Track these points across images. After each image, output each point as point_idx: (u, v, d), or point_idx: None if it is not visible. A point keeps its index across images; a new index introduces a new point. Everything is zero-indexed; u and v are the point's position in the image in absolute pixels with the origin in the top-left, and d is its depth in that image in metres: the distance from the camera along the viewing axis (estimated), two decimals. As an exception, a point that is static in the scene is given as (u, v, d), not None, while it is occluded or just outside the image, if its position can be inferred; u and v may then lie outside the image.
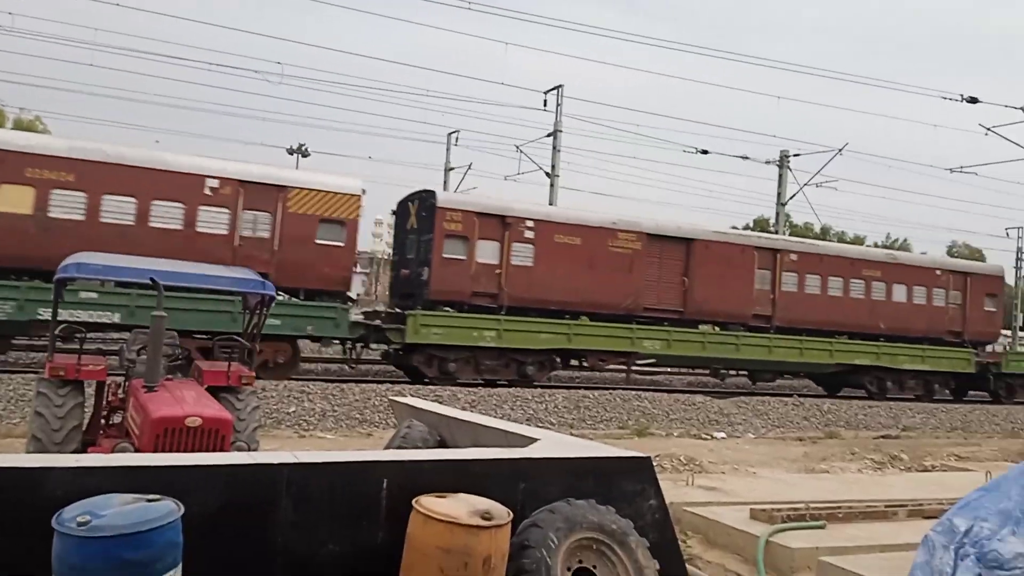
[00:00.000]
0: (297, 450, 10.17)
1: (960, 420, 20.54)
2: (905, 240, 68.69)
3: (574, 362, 20.60)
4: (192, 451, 5.51)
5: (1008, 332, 49.95)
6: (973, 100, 25.37)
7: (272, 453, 5.23)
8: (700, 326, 21.54)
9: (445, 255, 18.27)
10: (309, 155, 48.92)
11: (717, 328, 21.80)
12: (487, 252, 18.72)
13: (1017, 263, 47.09)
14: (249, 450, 6.26)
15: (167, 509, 3.37)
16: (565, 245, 19.42)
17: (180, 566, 3.37)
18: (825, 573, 5.84)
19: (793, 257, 22.67)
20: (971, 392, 25.68)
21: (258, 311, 7.77)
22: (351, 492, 4.20)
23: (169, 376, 7.06)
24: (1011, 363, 25.82)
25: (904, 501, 7.89)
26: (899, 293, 24.16)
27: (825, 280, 23.01)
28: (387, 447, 6.61)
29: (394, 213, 21.03)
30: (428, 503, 4.02)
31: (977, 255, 50.14)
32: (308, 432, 13.06)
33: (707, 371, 25.17)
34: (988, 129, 25.68)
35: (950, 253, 58.41)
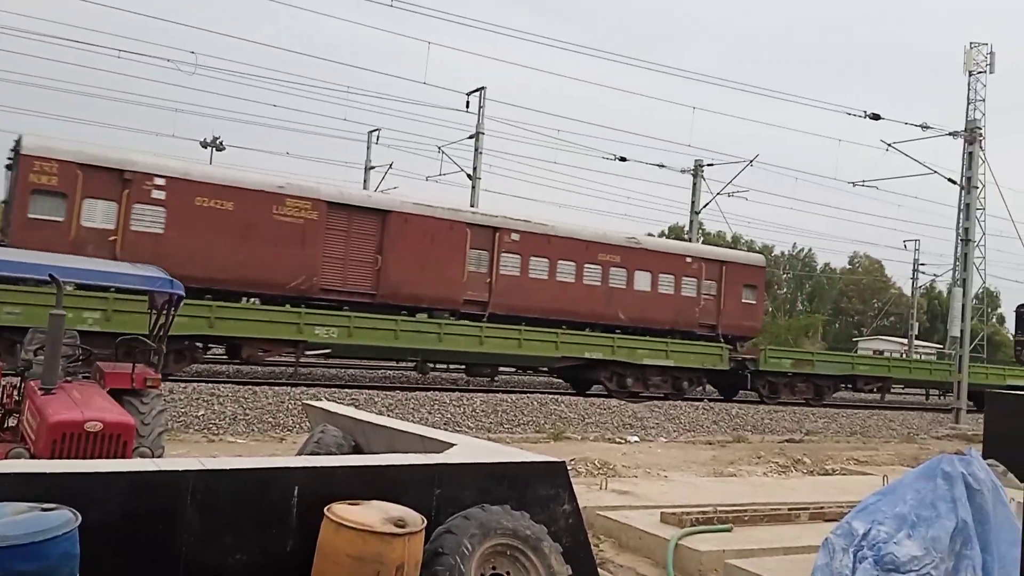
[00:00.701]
0: (206, 456, 9.90)
1: (859, 425, 21.46)
2: (810, 250, 71.50)
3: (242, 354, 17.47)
4: (92, 457, 5.30)
5: (905, 340, 52.52)
6: (875, 116, 26.55)
7: (177, 460, 5.06)
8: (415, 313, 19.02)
9: (31, 215, 15.10)
10: (224, 149, 47.64)
11: (426, 316, 19.34)
12: (97, 214, 15.57)
13: (913, 274, 49.61)
14: (153, 456, 6.03)
15: (63, 519, 3.23)
16: (211, 210, 16.43)
17: (77, 579, 3.23)
18: (731, 575, 6.01)
19: (515, 237, 20.20)
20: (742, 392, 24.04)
21: (165, 311, 7.50)
22: (260, 500, 4.10)
23: (68, 378, 6.75)
24: (770, 360, 23.63)
25: (806, 504, 8.18)
26: (642, 281, 22.12)
27: (554, 264, 20.71)
28: (300, 452, 6.48)
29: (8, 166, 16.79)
30: (340, 510, 3.96)
31: (877, 266, 52.58)
32: (218, 436, 12.69)
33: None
34: (889, 145, 26.91)
35: (851, 263, 61.00)
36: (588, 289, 21.30)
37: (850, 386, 26.57)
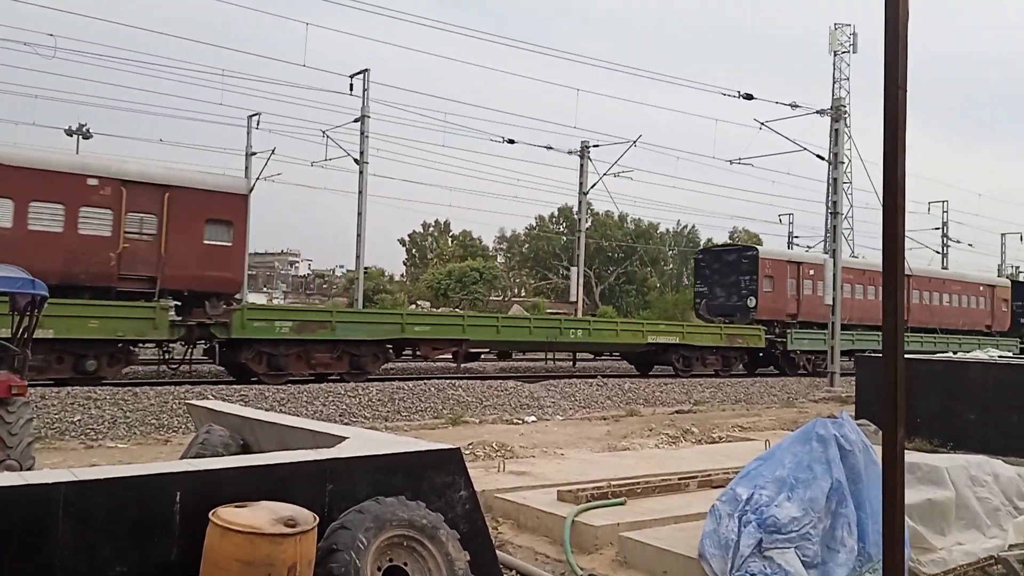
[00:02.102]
0: (83, 463, 9.39)
1: (743, 393, 22.42)
2: (693, 226, 73.86)
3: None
4: (-50, 475, 4.91)
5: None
6: (749, 97, 27.58)
7: (48, 472, 4.76)
8: None
9: None
10: (91, 137, 45.04)
11: None
12: None
13: (789, 246, 51.99)
14: (21, 469, 5.66)
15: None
16: None
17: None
18: (625, 547, 6.17)
19: None
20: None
21: (28, 312, 7.03)
22: (139, 508, 3.91)
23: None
24: (255, 326, 17.54)
25: (695, 473, 8.49)
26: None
27: None
28: (184, 455, 6.22)
29: None
30: (226, 514, 3.82)
31: (755, 240, 54.92)
32: (97, 442, 12.05)
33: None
34: (762, 124, 28.07)
35: (731, 238, 63.43)
36: None
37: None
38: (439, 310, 41.20)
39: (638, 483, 7.90)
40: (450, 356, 21.47)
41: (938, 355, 17.61)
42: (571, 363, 26.62)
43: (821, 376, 27.02)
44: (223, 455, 5.84)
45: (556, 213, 66.91)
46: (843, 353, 27.83)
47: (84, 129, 44.65)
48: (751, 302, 27.87)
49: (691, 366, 25.33)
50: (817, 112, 27.65)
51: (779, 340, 28.03)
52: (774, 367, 28.62)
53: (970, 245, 52.20)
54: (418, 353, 20.83)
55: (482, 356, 24.84)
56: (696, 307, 31.00)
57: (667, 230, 72.01)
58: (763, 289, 27.98)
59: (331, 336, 18.55)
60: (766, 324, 27.67)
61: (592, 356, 28.66)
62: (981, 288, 38.05)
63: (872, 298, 31.00)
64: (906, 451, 9.65)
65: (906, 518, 5.72)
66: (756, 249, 30.24)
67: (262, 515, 3.86)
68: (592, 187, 34.53)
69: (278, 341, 17.81)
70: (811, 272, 29.24)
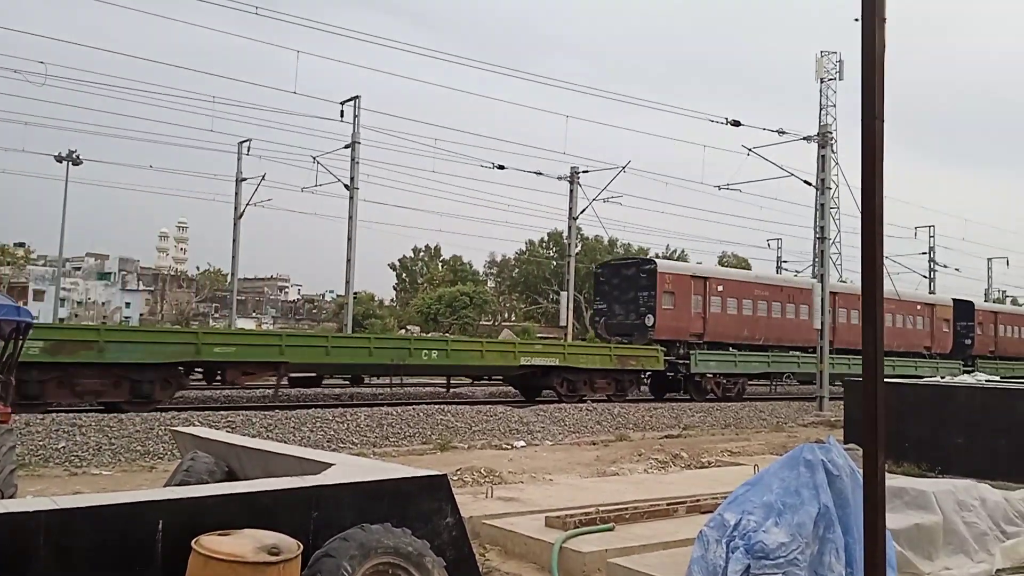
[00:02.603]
0: (67, 490, 9.29)
1: (732, 417, 22.40)
2: (683, 251, 74.07)
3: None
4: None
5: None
6: (736, 123, 27.85)
7: (28, 500, 4.72)
8: None
9: None
10: (81, 163, 45.07)
11: None
12: None
13: (777, 271, 52.21)
14: (3, 497, 5.60)
15: None
16: None
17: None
18: (613, 574, 6.13)
19: None
20: None
21: (13, 339, 6.99)
22: (121, 537, 3.87)
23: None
24: None
25: (684, 498, 8.47)
26: None
27: None
28: (168, 483, 6.16)
29: None
30: (209, 542, 3.78)
31: (744, 264, 55.19)
32: (81, 469, 11.92)
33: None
34: (750, 150, 28.32)
35: (721, 262, 63.70)
36: None
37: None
38: (309, 330, 39.49)
39: (627, 509, 7.87)
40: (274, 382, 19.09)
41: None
42: (445, 389, 24.24)
43: (810, 400, 27.00)
44: (208, 482, 5.80)
45: (546, 238, 67.15)
46: (791, 375, 27.76)
47: (74, 155, 44.68)
48: (649, 320, 25.37)
49: (577, 390, 22.97)
50: (804, 138, 27.91)
51: (681, 362, 25.59)
52: (683, 391, 26.39)
53: (957, 270, 52.56)
54: (224, 379, 18.22)
55: (474, 381, 24.08)
56: (595, 326, 28.60)
57: (657, 254, 72.28)
58: (662, 306, 25.51)
59: (99, 359, 15.87)
60: (667, 344, 25.39)
61: (472, 380, 26.09)
62: (919, 307, 35.17)
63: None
64: (894, 476, 9.67)
65: (894, 543, 5.72)
66: (655, 262, 27.22)
67: (245, 543, 3.83)
68: (582, 212, 34.68)
69: (29, 364, 14.56)
70: (719, 288, 27.14)
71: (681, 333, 26.05)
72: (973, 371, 29.84)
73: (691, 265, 33.84)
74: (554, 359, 22.69)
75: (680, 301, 26.07)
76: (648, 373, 25.59)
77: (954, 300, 38.38)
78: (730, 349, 27.25)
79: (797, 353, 28.97)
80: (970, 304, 38.51)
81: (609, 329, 26.77)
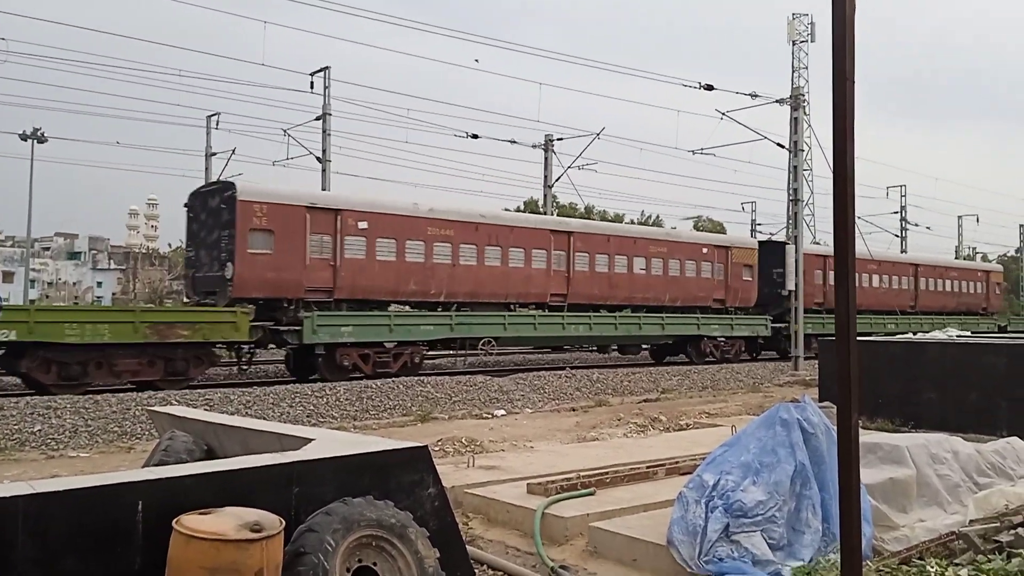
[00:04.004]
0: (44, 474, 9.22)
1: (710, 379, 22.65)
2: (658, 216, 74.34)
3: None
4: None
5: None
6: (709, 87, 27.81)
7: (5, 485, 4.67)
8: None
9: None
10: (46, 141, 44.24)
11: None
12: None
13: (752, 234, 52.58)
14: (-21, 483, 5.54)
15: None
16: None
17: None
18: (595, 537, 6.21)
19: None
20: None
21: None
22: (101, 520, 3.85)
23: None
24: None
25: (663, 460, 8.57)
26: None
27: None
28: (147, 463, 6.13)
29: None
30: (190, 521, 3.77)
31: (719, 228, 55.47)
32: (58, 452, 11.82)
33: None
34: (723, 114, 28.30)
35: (696, 227, 64.03)
36: None
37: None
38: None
39: (607, 473, 7.96)
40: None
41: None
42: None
43: (787, 360, 27.30)
44: (187, 461, 5.77)
45: (522, 207, 66.90)
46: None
47: (39, 133, 43.79)
48: (228, 271, 17.81)
49: (75, 376, 15.75)
50: (777, 101, 27.94)
51: (287, 329, 18.36)
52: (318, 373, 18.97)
53: (928, 228, 53.25)
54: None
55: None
56: (187, 283, 20.58)
57: (632, 220, 72.45)
58: (250, 250, 17.88)
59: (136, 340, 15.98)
60: (266, 304, 18.37)
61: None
62: (705, 251, 27.18)
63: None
64: (868, 431, 9.85)
65: (868, 497, 5.84)
66: (234, 186, 18.67)
67: (227, 521, 3.82)
68: (557, 180, 34.65)
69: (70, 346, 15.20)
70: (359, 225, 19.32)
71: (284, 289, 18.50)
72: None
73: (308, 191, 20.93)
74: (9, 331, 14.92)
75: (284, 244, 18.29)
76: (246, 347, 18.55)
77: (760, 243, 30.49)
78: (388, 308, 20.35)
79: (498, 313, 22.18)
80: (780, 245, 28.86)
81: (196, 286, 19.41)
